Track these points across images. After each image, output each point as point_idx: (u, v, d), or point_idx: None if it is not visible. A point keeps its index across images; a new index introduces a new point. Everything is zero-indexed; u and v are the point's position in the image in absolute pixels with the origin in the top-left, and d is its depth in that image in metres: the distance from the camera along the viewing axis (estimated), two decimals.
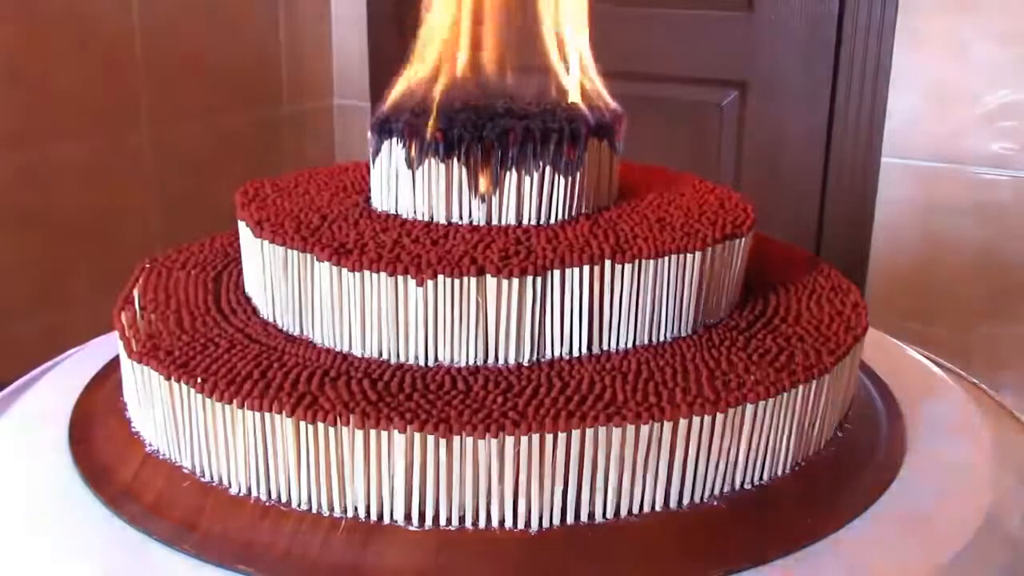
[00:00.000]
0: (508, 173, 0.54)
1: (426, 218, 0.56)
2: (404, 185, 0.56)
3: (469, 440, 0.44)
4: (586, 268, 0.50)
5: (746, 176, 1.44)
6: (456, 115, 0.57)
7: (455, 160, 0.54)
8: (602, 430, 0.45)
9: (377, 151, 0.57)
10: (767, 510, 0.49)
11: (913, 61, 1.28)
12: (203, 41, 1.40)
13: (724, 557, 0.46)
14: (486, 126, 0.54)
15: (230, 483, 0.49)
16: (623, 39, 1.41)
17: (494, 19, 0.63)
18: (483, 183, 0.54)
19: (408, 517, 0.46)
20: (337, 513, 0.47)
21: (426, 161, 0.55)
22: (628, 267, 0.51)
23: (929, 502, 0.51)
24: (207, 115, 1.43)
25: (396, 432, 0.44)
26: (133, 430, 0.55)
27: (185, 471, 0.51)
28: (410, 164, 0.55)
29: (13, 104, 1.17)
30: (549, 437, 0.44)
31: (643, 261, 0.52)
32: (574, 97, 0.62)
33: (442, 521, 0.46)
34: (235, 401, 0.47)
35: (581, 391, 0.47)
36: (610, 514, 0.47)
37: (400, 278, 0.49)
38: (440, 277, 0.49)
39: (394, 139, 0.56)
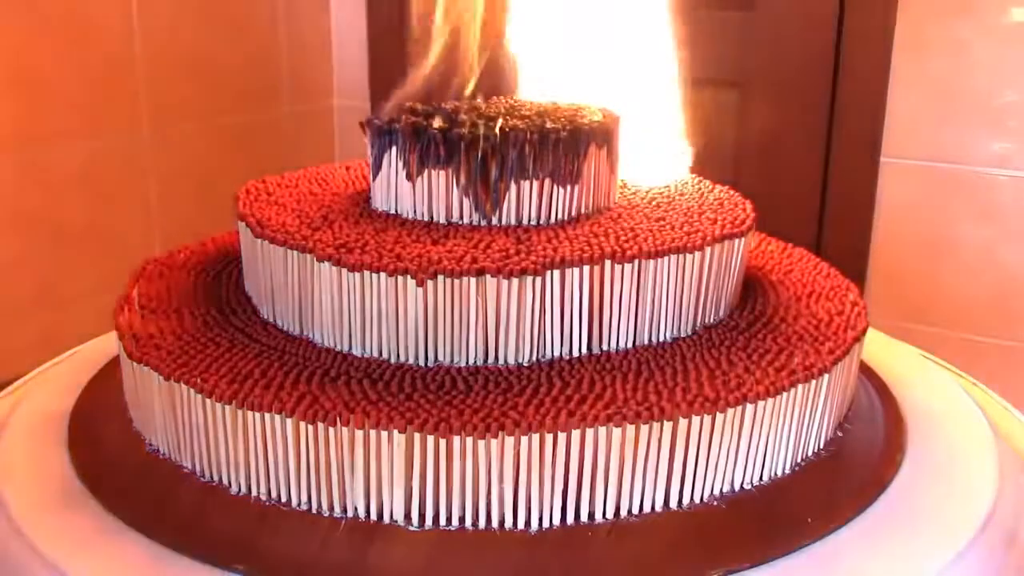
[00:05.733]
0: (508, 181, 0.54)
1: (426, 218, 0.56)
2: (404, 187, 0.56)
3: (469, 440, 0.44)
4: (586, 268, 0.51)
5: (746, 176, 1.44)
6: (456, 116, 0.57)
7: (455, 165, 0.54)
8: (602, 430, 0.45)
9: (378, 158, 0.57)
10: (767, 510, 0.49)
11: (913, 61, 1.28)
12: (203, 41, 1.40)
13: (724, 557, 0.46)
14: (486, 127, 0.54)
15: (230, 483, 0.49)
16: None
17: (496, 19, 0.63)
18: (483, 197, 0.54)
19: (408, 517, 0.46)
20: (337, 513, 0.47)
21: (427, 169, 0.55)
22: (628, 267, 0.51)
23: (929, 502, 0.51)
24: (207, 115, 1.43)
25: (396, 432, 0.44)
26: (133, 430, 0.55)
27: (185, 471, 0.51)
28: (410, 176, 0.55)
29: (14, 104, 1.17)
30: (549, 437, 0.44)
31: (643, 261, 0.52)
32: (574, 101, 0.62)
33: (442, 521, 0.46)
34: (235, 401, 0.47)
35: (581, 391, 0.47)
36: (610, 514, 0.47)
37: (400, 278, 0.49)
38: (440, 277, 0.49)
39: (394, 149, 0.56)
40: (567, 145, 0.55)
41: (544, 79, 0.64)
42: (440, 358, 0.51)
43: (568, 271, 0.50)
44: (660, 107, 0.64)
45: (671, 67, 0.63)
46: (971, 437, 0.58)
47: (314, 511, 0.47)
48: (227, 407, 0.47)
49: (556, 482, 0.45)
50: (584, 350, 0.52)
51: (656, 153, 0.64)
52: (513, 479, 0.45)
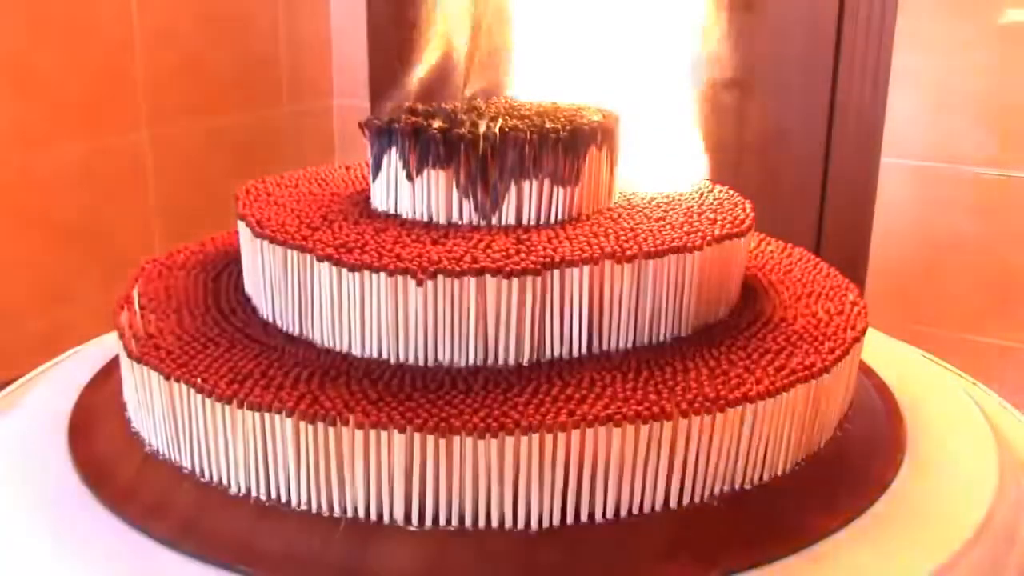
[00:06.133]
0: (507, 181, 0.54)
1: (426, 218, 0.56)
2: (404, 187, 0.56)
3: (469, 440, 0.44)
4: (586, 268, 0.50)
5: (746, 176, 1.44)
6: (456, 116, 0.57)
7: (455, 165, 0.54)
8: (602, 430, 0.45)
9: (378, 159, 0.57)
10: (767, 510, 0.49)
11: (913, 61, 1.28)
12: (203, 41, 1.40)
13: (724, 557, 0.46)
14: (486, 127, 0.54)
15: (230, 483, 0.49)
16: None
17: (494, 20, 0.63)
18: (483, 197, 0.54)
19: (408, 517, 0.46)
20: (337, 513, 0.47)
21: (426, 170, 0.55)
22: (628, 267, 0.51)
23: (929, 502, 0.51)
24: (207, 115, 1.43)
25: (396, 432, 0.44)
26: (133, 430, 0.55)
27: (185, 471, 0.51)
28: (410, 177, 0.55)
29: (14, 104, 1.17)
30: (549, 437, 0.44)
31: (643, 261, 0.52)
32: (574, 101, 0.62)
33: (442, 521, 0.46)
34: (235, 401, 0.47)
35: (581, 391, 0.47)
36: (610, 514, 0.47)
37: (400, 278, 0.49)
38: (440, 277, 0.49)
39: (394, 149, 0.56)
40: (567, 145, 0.55)
41: (553, 80, 0.64)
42: (440, 358, 0.51)
43: (568, 271, 0.50)
44: (675, 110, 0.64)
45: (686, 69, 0.63)
46: (971, 437, 0.58)
47: (314, 511, 0.47)
48: (227, 407, 0.47)
49: (556, 482, 0.45)
50: (584, 350, 0.52)
51: (670, 157, 0.64)
52: (513, 479, 0.45)
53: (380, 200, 0.58)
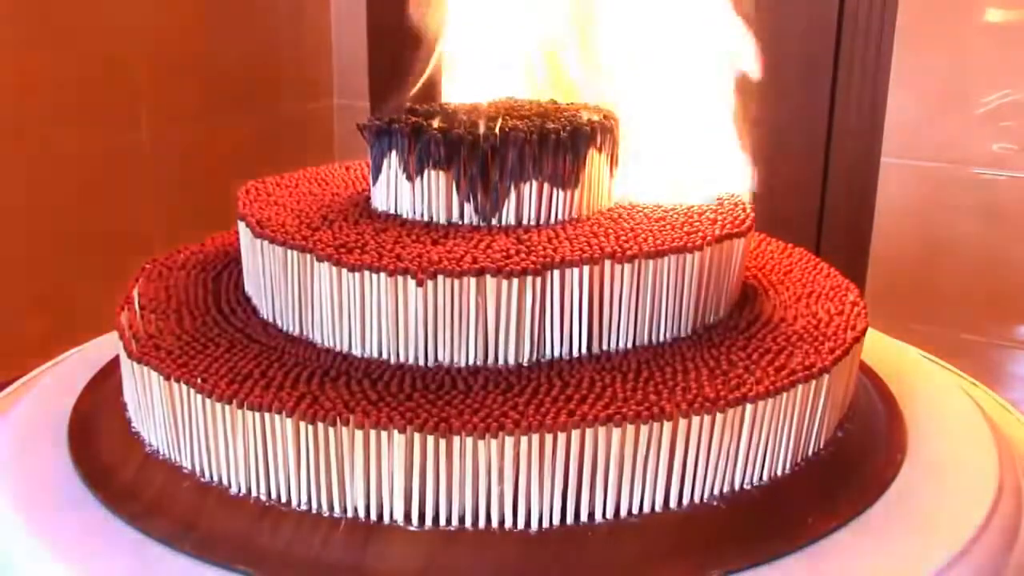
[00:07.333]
0: (507, 181, 0.54)
1: (426, 218, 0.56)
2: (404, 188, 0.56)
3: (469, 440, 0.44)
4: (586, 268, 0.50)
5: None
6: (456, 116, 0.57)
7: (455, 166, 0.54)
8: (602, 430, 0.45)
9: (378, 159, 0.57)
10: (767, 510, 0.49)
11: (913, 61, 1.28)
12: (203, 41, 1.40)
13: (724, 557, 0.46)
14: (486, 127, 0.54)
15: (230, 483, 0.49)
16: None
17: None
18: (483, 198, 0.54)
19: (408, 517, 0.46)
20: (337, 513, 0.47)
21: (426, 170, 0.55)
22: (628, 267, 0.51)
23: (929, 502, 0.51)
24: (207, 115, 1.43)
25: (396, 432, 0.44)
26: (133, 430, 0.55)
27: (185, 471, 0.51)
28: (410, 178, 0.55)
29: (14, 104, 1.17)
30: (549, 437, 0.44)
31: (643, 261, 0.52)
32: (574, 101, 0.62)
33: (442, 521, 0.46)
34: (235, 401, 0.47)
35: (581, 391, 0.47)
36: (610, 514, 0.47)
37: (400, 278, 0.49)
38: (440, 277, 0.49)
39: (394, 151, 0.56)
40: (567, 146, 0.55)
41: (559, 80, 0.64)
42: (440, 358, 0.51)
43: (568, 271, 0.50)
44: (715, 116, 0.64)
45: (725, 72, 0.63)
46: (971, 437, 0.58)
47: (314, 511, 0.47)
48: (227, 407, 0.47)
49: (556, 482, 0.45)
50: (584, 350, 0.52)
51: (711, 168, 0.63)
52: (513, 479, 0.45)
53: (380, 200, 0.58)
